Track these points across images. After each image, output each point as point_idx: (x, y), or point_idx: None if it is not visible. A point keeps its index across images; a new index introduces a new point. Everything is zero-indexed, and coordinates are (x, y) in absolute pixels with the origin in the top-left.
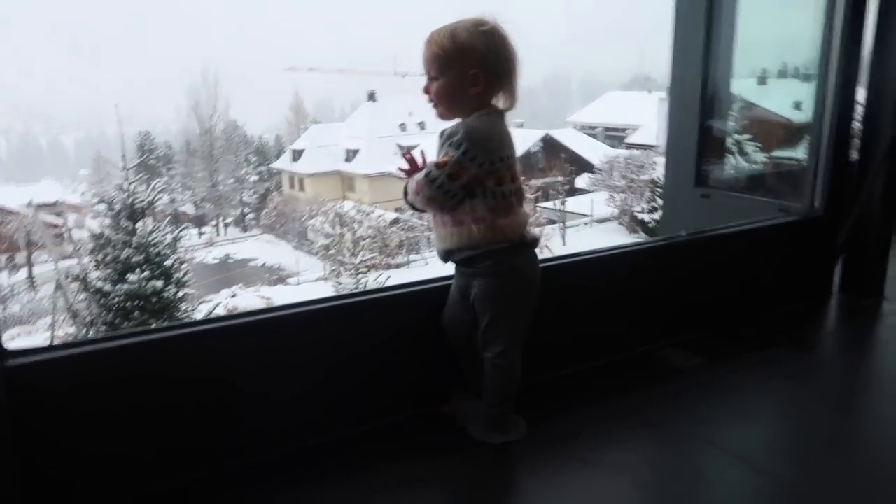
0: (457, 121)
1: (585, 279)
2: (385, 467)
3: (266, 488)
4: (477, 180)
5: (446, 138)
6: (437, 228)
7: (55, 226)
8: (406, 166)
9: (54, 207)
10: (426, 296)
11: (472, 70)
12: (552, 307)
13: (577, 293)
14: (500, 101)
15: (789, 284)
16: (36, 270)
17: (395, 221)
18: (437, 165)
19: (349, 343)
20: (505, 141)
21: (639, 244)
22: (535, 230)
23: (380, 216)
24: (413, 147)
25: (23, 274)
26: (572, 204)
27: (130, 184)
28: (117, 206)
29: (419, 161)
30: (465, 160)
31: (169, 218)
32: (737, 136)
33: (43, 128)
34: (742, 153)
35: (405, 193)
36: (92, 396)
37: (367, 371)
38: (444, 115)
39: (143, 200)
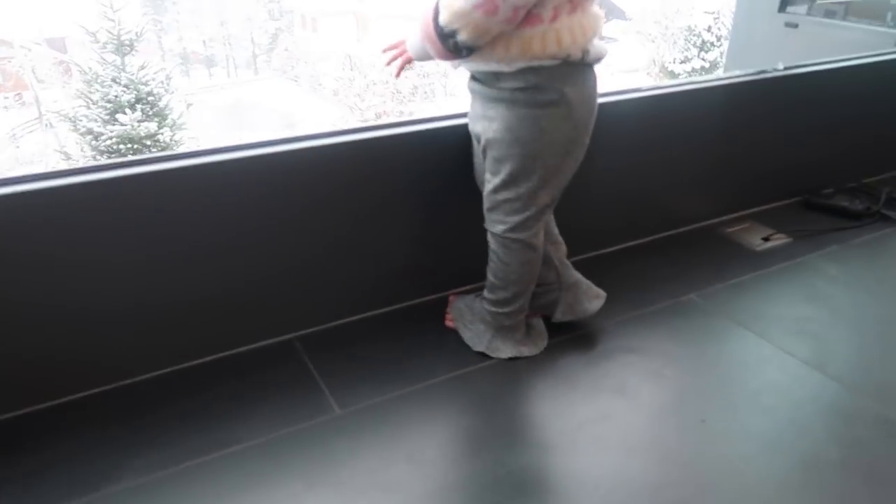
0: None
1: (640, 125)
2: (338, 369)
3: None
4: None
5: None
6: None
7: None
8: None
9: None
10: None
11: None
12: (594, 160)
13: (627, 143)
14: None
15: None
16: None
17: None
18: None
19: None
20: None
21: (718, 79)
22: (601, 42)
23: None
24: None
25: (34, 112)
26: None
27: (115, 12)
28: (102, 38)
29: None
30: None
31: (165, 56)
32: None
33: None
34: None
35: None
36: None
37: (351, 237)
38: None
39: (130, 32)
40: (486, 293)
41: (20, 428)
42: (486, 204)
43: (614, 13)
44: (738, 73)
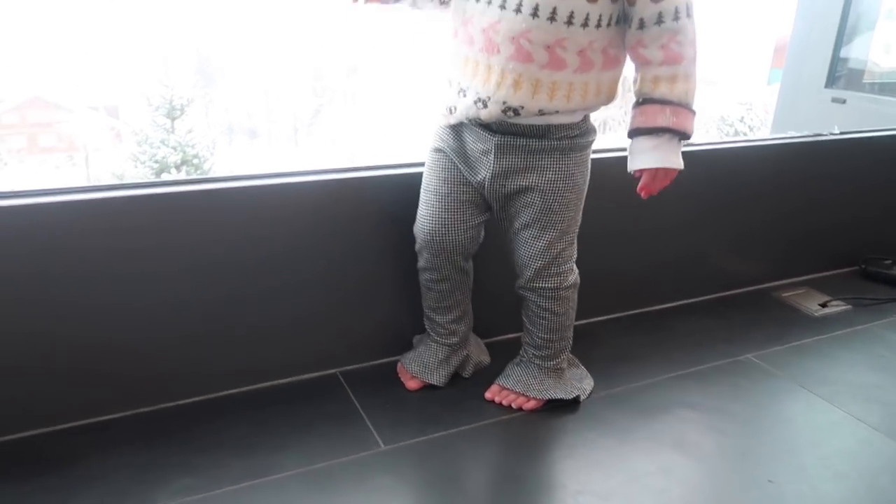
0: None
1: (690, 181)
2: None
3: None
4: None
5: None
6: (527, 68)
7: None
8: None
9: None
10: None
11: None
12: (634, 221)
13: (678, 199)
14: None
15: None
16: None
17: None
18: None
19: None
20: None
21: (773, 139)
22: None
23: None
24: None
25: (83, 172)
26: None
27: (169, 79)
28: (156, 103)
29: None
30: None
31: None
32: None
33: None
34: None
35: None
36: None
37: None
38: None
39: (182, 97)
40: (535, 352)
41: (60, 441)
42: (535, 265)
43: None
44: (793, 133)
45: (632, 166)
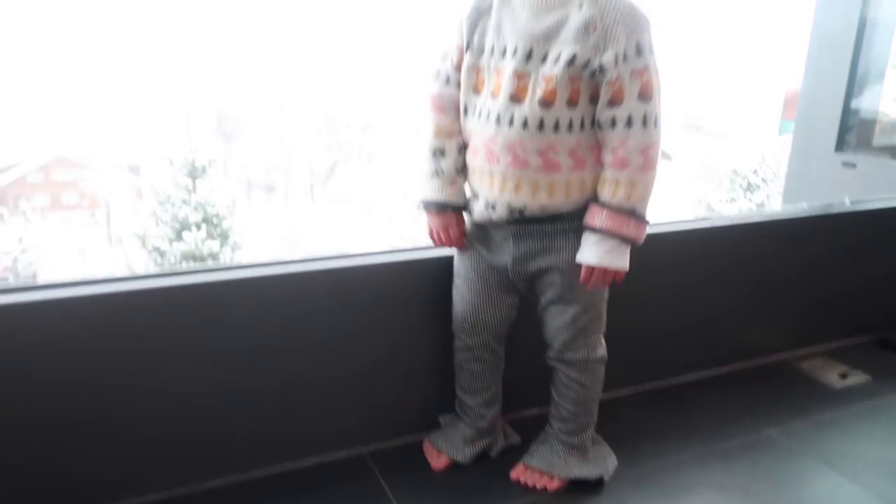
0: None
1: (709, 254)
2: None
3: None
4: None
5: (617, 37)
6: (524, 173)
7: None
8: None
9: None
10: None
11: None
12: (653, 292)
13: (696, 272)
14: None
15: None
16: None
17: None
18: (643, 96)
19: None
20: None
21: (786, 213)
22: None
23: None
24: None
25: (104, 231)
26: None
27: (192, 140)
28: (178, 164)
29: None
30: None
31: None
32: None
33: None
34: None
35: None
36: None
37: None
38: None
39: (204, 158)
40: (560, 426)
41: None
42: (562, 338)
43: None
44: (804, 206)
45: (576, 257)
